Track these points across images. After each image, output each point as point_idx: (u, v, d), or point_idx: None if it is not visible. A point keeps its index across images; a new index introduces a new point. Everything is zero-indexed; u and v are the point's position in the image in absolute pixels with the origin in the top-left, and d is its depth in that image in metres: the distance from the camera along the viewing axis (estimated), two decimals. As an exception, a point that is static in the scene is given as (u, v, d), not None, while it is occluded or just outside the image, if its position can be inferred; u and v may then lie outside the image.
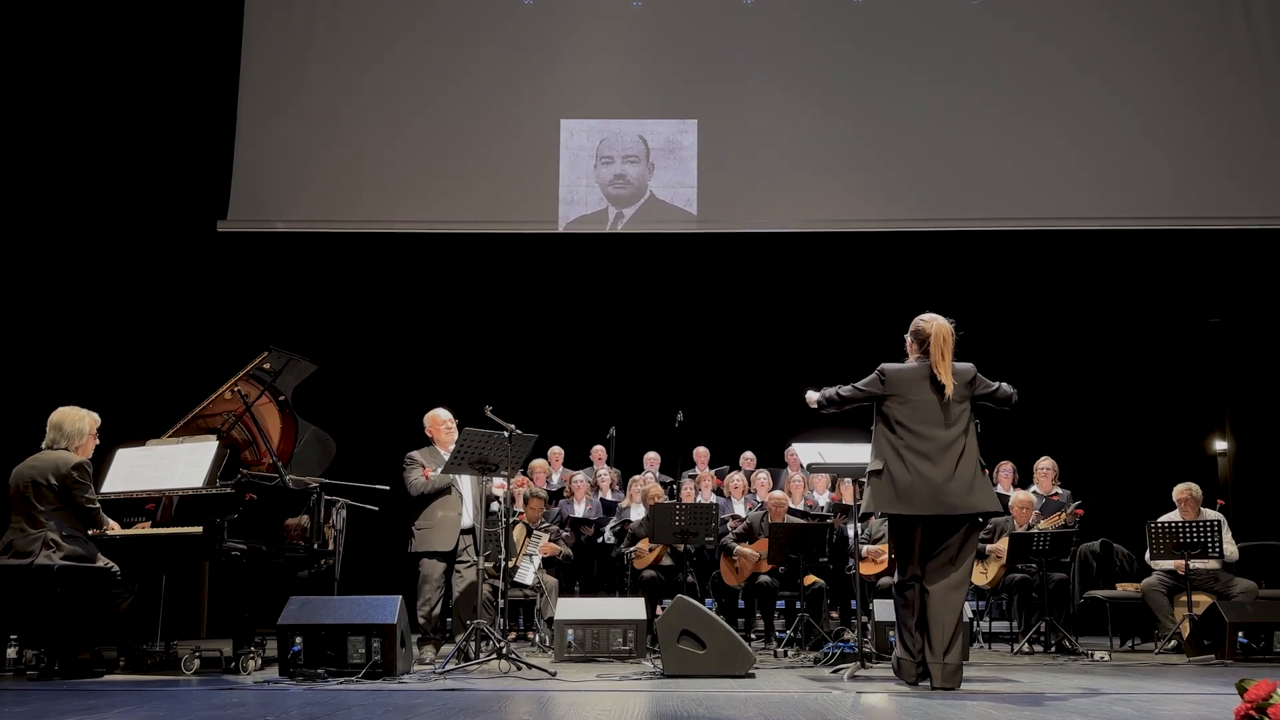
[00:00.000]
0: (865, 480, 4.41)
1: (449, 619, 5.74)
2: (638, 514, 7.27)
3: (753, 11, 9.12)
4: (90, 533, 4.67)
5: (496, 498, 5.46)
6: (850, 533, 6.49)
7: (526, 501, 6.79)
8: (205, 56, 8.95)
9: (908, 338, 4.43)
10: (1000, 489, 7.39)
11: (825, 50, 9.05)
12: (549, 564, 6.73)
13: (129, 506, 4.94)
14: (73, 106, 8.56)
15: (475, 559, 5.47)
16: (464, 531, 5.65)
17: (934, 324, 4.33)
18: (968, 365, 4.33)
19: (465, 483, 5.70)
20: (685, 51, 9.07)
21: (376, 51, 9.06)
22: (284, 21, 9.10)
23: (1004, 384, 4.40)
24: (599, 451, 8.24)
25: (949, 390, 4.23)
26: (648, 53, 9.12)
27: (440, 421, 5.81)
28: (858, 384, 4.40)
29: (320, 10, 9.11)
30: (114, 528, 4.76)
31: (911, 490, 4.18)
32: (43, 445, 4.76)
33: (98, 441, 4.88)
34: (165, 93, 8.82)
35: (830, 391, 4.48)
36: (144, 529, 4.83)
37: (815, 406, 4.56)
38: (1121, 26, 8.94)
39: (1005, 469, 7.54)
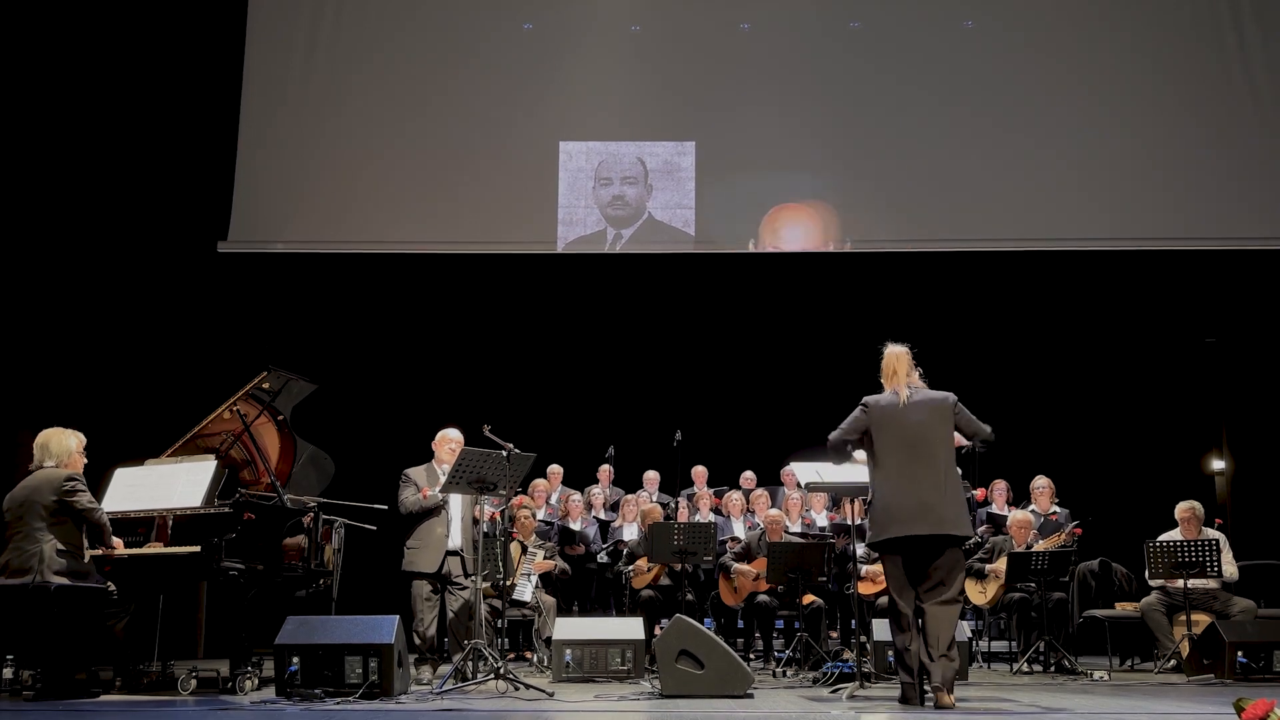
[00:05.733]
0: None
1: (446, 639, 5.73)
2: (630, 533, 7.27)
3: (749, 35, 9.20)
4: (90, 552, 4.66)
5: (479, 520, 5.44)
6: (849, 552, 6.49)
7: (513, 520, 6.78)
8: (206, 78, 9.01)
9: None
10: (994, 507, 7.39)
11: (821, 73, 9.12)
12: (547, 583, 6.72)
13: (125, 527, 4.92)
14: (75, 128, 8.61)
15: (471, 579, 5.46)
16: (450, 553, 5.64)
17: (887, 352, 4.62)
18: (946, 394, 4.51)
19: (455, 503, 5.71)
20: (683, 74, 9.14)
21: (377, 74, 9.13)
22: (285, 44, 9.17)
23: (985, 425, 4.53)
24: (605, 471, 8.22)
25: (902, 399, 4.42)
26: (646, 75, 9.19)
27: (447, 441, 5.78)
28: (845, 421, 4.55)
29: (321, 33, 9.18)
30: (119, 545, 4.75)
31: (896, 515, 4.32)
32: (30, 467, 4.76)
33: (86, 460, 4.88)
34: (167, 114, 8.87)
35: (828, 441, 4.58)
36: (155, 548, 4.82)
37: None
38: (1116, 49, 9.01)
39: (999, 487, 7.54)
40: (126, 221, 8.71)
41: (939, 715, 4.06)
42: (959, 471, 4.52)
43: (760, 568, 6.45)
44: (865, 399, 4.55)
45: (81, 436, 4.87)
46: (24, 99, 8.42)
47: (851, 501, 5.68)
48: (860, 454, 4.60)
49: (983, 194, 8.92)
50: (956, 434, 4.55)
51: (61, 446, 4.77)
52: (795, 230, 8.97)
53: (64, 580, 4.52)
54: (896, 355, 4.58)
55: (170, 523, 4.86)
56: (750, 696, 4.67)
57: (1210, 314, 9.06)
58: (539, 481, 7.75)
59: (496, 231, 8.95)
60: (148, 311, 8.70)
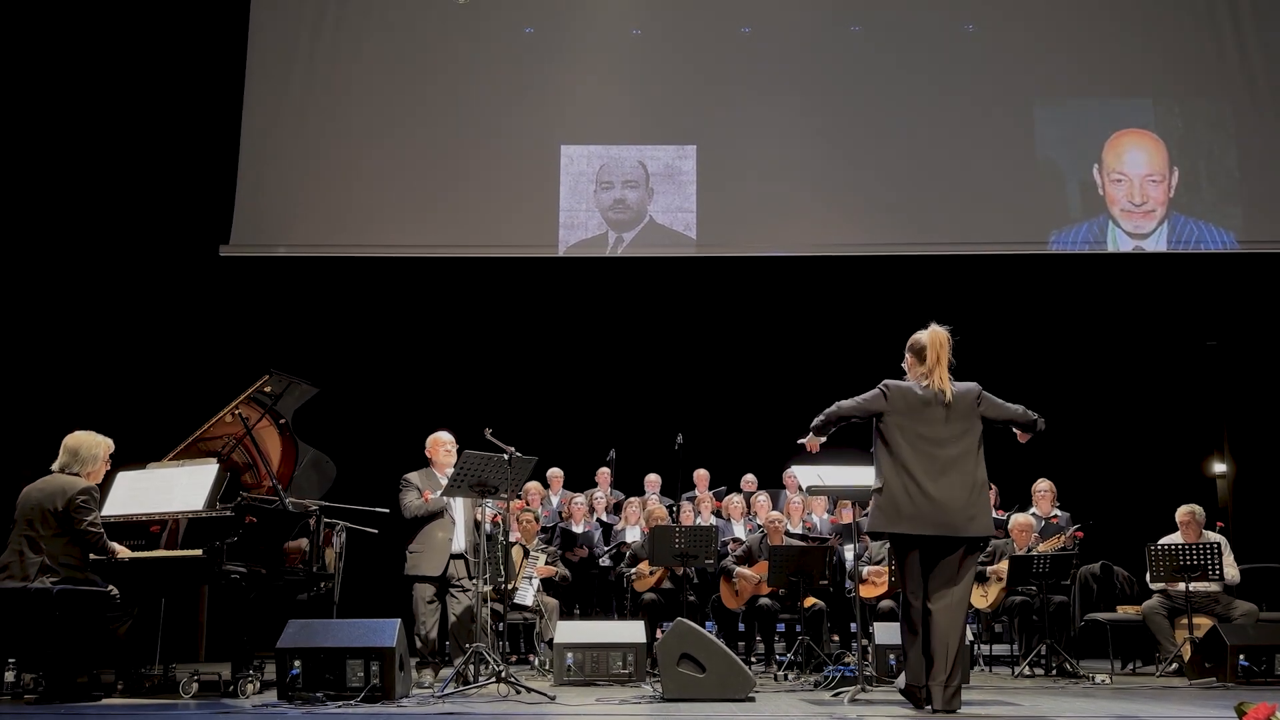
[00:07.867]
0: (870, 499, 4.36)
1: (447, 642, 5.73)
2: (633, 535, 7.28)
3: (750, 39, 9.21)
4: (94, 556, 4.66)
5: (481, 523, 5.44)
6: (849, 555, 6.49)
7: (517, 521, 6.78)
8: (208, 82, 9.03)
9: (906, 354, 4.40)
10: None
11: (822, 76, 9.13)
12: (548, 585, 6.72)
13: (133, 529, 4.92)
14: (78, 132, 8.63)
15: (472, 583, 5.46)
16: (454, 556, 5.65)
17: (930, 331, 4.32)
18: (971, 384, 4.31)
19: (458, 507, 5.71)
20: (684, 78, 9.15)
21: (379, 78, 9.14)
22: (287, 48, 9.19)
23: (1022, 407, 4.31)
24: (604, 474, 8.22)
25: (947, 394, 4.20)
26: (647, 79, 9.21)
27: (441, 444, 5.83)
28: (860, 397, 4.31)
29: (323, 37, 9.20)
30: (123, 552, 4.74)
31: (911, 510, 4.16)
32: (53, 468, 4.75)
33: (109, 467, 4.88)
34: (169, 118, 8.89)
35: (831, 408, 4.37)
36: (158, 552, 4.81)
37: (815, 434, 4.46)
38: (1115, 51, 9.03)
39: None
40: (129, 225, 8.73)
41: (940, 718, 4.06)
42: (984, 468, 4.23)
43: (761, 571, 6.45)
44: (887, 381, 4.29)
45: (110, 443, 4.85)
46: (25, 102, 8.43)
47: (853, 505, 5.67)
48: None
49: (985, 197, 8.93)
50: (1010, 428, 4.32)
51: (90, 454, 4.75)
52: (796, 233, 8.97)
53: (65, 584, 4.52)
54: (941, 340, 4.24)
55: (183, 527, 4.86)
56: (752, 700, 4.67)
57: (1211, 317, 9.06)
58: (532, 484, 7.71)
59: (498, 235, 8.97)
60: (150, 315, 8.71)
